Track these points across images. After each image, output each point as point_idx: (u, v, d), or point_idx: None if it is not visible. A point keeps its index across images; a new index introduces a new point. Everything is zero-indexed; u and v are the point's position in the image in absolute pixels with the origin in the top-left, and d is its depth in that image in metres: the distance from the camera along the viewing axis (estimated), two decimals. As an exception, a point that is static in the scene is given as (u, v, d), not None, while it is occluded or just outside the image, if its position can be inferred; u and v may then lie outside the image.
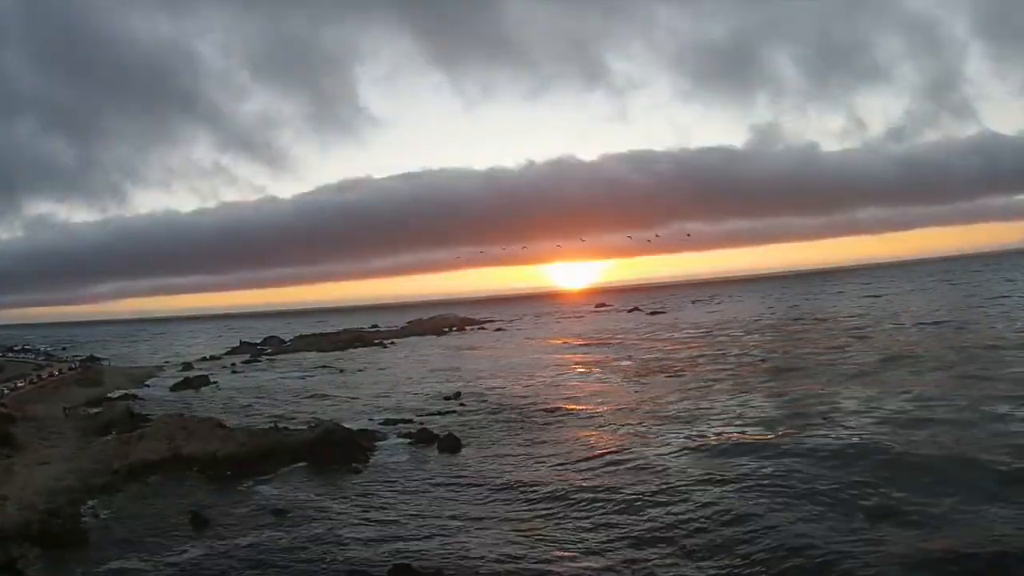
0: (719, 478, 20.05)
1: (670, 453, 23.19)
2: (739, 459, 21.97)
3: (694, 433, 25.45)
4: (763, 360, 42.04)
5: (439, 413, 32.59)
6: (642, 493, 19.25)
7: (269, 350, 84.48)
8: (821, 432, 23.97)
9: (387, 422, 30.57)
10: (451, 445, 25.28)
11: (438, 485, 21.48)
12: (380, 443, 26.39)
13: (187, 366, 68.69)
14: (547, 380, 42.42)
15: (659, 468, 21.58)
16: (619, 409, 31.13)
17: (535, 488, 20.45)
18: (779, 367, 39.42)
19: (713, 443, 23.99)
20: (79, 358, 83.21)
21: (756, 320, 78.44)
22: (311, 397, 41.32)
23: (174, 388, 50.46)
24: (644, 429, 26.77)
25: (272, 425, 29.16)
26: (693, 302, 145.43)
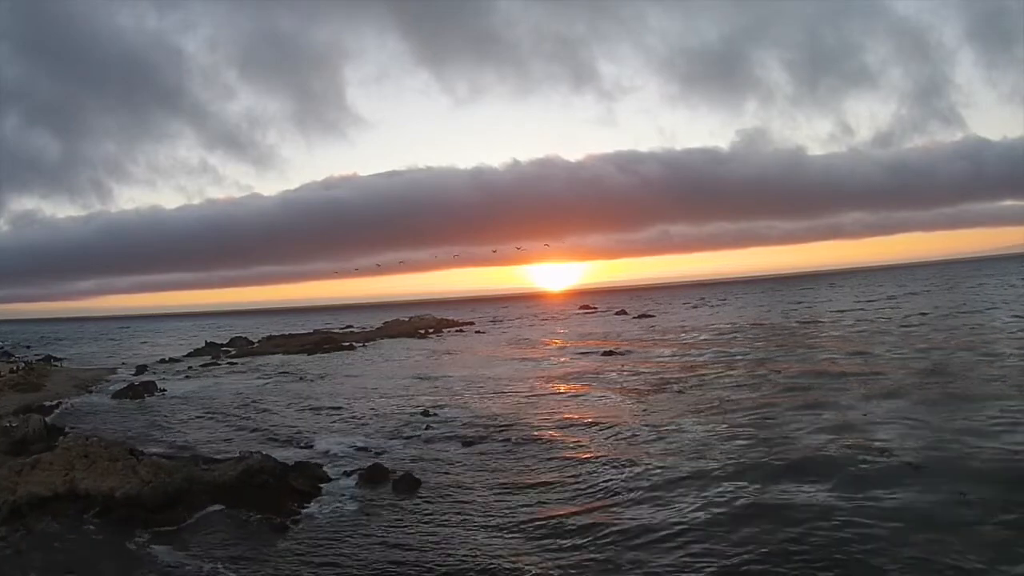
0: (758, 519, 15.39)
1: (690, 491, 18.19)
2: (779, 492, 17.21)
3: (715, 464, 20.42)
4: (778, 371, 37.04)
5: (401, 437, 27.34)
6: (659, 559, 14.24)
7: (233, 352, 78.90)
8: (877, 456, 19.26)
9: (335, 449, 25.25)
10: (408, 486, 20.04)
11: (384, 546, 16.28)
12: (321, 484, 21.01)
13: (140, 369, 63.14)
14: (531, 395, 37.19)
15: (677, 513, 16.63)
16: (619, 434, 25.95)
17: (505, 547, 15.36)
18: (800, 375, 34.70)
19: (742, 475, 19.07)
20: (37, 357, 78.47)
21: (757, 324, 73.77)
22: (259, 412, 35.88)
23: (116, 396, 45.12)
24: (654, 461, 21.63)
25: (191, 456, 23.83)
26: (683, 304, 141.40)
